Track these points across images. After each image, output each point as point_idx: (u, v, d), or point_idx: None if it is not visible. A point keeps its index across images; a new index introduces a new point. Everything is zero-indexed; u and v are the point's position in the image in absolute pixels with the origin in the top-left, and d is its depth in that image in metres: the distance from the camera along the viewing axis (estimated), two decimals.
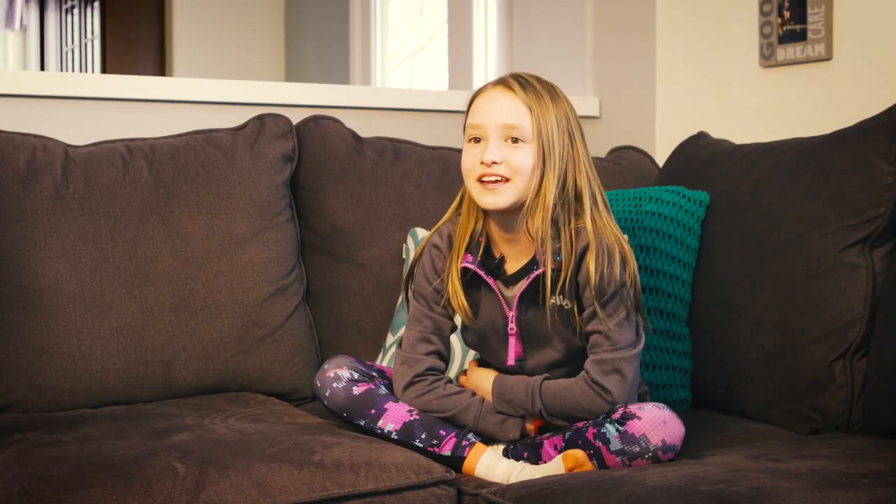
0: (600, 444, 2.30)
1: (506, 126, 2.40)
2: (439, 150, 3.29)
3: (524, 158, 2.40)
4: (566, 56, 4.01)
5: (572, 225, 2.43)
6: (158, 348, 2.82)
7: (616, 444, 2.29)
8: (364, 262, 3.10)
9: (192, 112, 3.27)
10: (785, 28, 3.31)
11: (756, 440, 2.58)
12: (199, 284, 2.87)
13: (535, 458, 2.41)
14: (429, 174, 3.20)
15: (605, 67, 3.89)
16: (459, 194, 2.58)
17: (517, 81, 2.43)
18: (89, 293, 2.77)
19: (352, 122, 3.27)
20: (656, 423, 2.29)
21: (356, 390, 2.47)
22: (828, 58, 3.23)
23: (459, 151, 3.26)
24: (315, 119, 3.18)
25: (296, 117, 3.18)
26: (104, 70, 8.03)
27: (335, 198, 3.11)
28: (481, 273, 2.49)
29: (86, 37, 9.26)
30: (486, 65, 5.31)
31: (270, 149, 3.02)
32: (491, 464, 2.38)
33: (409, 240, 3.07)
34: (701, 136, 3.30)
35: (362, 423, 2.45)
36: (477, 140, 2.44)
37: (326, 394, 2.48)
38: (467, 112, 2.49)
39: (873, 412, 2.56)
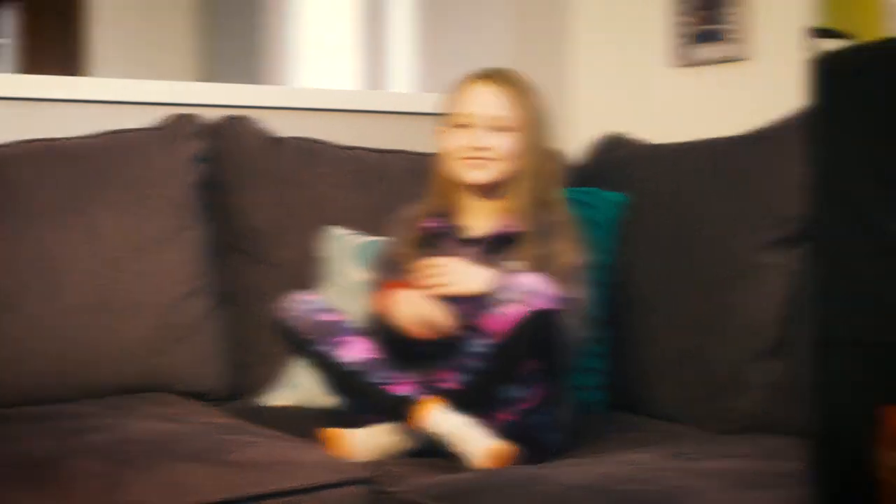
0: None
1: (495, 117, 2.69)
2: (355, 150, 3.28)
3: (508, 145, 2.69)
4: (483, 56, 4.01)
5: (544, 199, 2.71)
6: (76, 348, 2.80)
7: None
8: (280, 262, 3.09)
9: (108, 112, 3.24)
10: (701, 28, 3.33)
11: (672, 440, 2.58)
12: (117, 284, 2.86)
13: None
14: (345, 174, 3.20)
15: (517, 66, 3.89)
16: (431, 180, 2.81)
17: (503, 76, 2.74)
18: (5, 294, 2.75)
19: (267, 121, 3.26)
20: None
21: (324, 317, 2.55)
22: (744, 58, 3.24)
23: (376, 151, 3.29)
24: (230, 119, 3.17)
25: (211, 117, 3.17)
26: (19, 70, 7.94)
27: (251, 198, 3.10)
28: (444, 229, 2.74)
29: (0, 37, 9.16)
30: (401, 63, 5.31)
31: (186, 149, 3.02)
32: (444, 414, 2.41)
33: (326, 239, 3.07)
34: (617, 137, 3.32)
35: (321, 349, 2.51)
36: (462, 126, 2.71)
37: (292, 314, 2.55)
38: (450, 99, 2.75)
39: (788, 412, 2.56)
